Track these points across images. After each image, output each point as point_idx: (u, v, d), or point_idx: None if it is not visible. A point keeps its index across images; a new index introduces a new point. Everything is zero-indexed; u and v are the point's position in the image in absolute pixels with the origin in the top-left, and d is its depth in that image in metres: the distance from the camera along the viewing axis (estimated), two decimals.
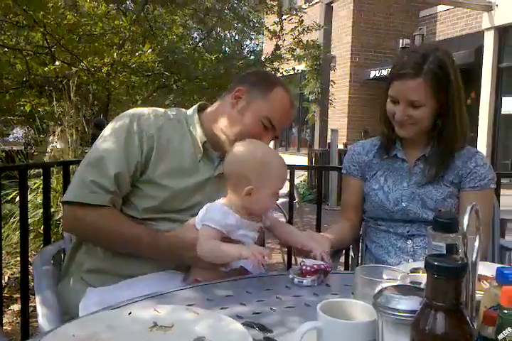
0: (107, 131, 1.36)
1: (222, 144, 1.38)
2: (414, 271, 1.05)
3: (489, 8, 8.99)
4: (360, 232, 1.78)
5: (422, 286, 0.73)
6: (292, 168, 2.67)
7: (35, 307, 2.37)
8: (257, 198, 1.22)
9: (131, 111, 1.39)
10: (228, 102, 1.40)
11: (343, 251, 1.93)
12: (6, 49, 4.44)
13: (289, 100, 1.43)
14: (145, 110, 1.39)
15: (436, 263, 0.57)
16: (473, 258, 0.67)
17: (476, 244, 0.67)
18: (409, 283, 0.82)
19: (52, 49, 4.12)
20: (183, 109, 1.49)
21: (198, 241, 1.19)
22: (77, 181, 1.30)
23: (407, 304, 0.65)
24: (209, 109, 1.47)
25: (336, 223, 1.69)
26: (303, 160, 10.78)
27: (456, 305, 0.58)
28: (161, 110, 1.43)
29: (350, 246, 1.91)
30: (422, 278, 0.86)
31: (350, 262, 2.10)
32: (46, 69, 4.12)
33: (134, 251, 1.29)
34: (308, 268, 1.16)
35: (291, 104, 1.44)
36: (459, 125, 1.47)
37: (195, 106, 1.47)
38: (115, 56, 4.32)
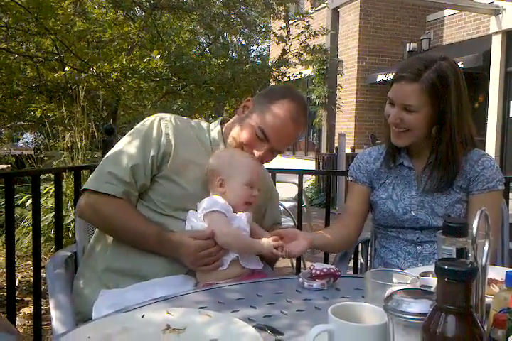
0: (132, 130, 1.46)
1: None
2: (424, 274, 1.05)
3: (497, 12, 8.96)
4: (369, 236, 1.79)
5: (432, 290, 0.74)
6: (300, 172, 2.68)
7: (46, 310, 2.40)
8: (229, 188, 1.33)
9: (156, 115, 1.49)
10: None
11: (352, 255, 1.93)
12: (16, 55, 4.49)
13: (290, 113, 1.38)
14: (168, 115, 1.49)
15: (446, 267, 0.58)
16: (483, 262, 0.68)
17: (486, 248, 0.68)
18: (419, 286, 0.83)
19: (62, 55, 4.17)
20: (205, 122, 1.58)
21: (218, 227, 1.27)
22: (96, 172, 1.40)
23: (418, 307, 0.66)
24: (227, 123, 1.54)
25: (333, 224, 1.69)
26: (310, 164, 10.77)
27: (466, 308, 0.59)
28: (184, 118, 1.53)
29: (359, 250, 1.92)
30: (432, 281, 0.87)
31: (358, 266, 2.10)
32: (56, 75, 4.17)
33: (139, 245, 1.33)
34: (318, 271, 1.18)
35: (292, 118, 1.38)
36: (457, 135, 1.44)
37: (218, 120, 1.55)
38: (124, 62, 4.35)
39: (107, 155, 1.43)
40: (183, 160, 1.38)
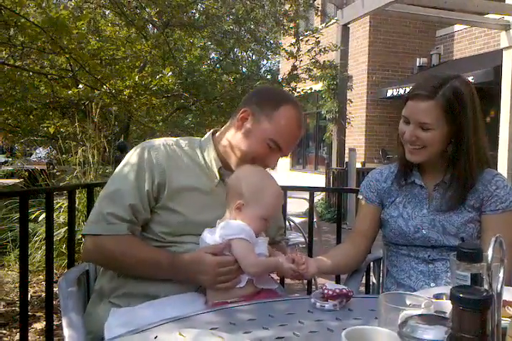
0: (121, 164, 1.43)
1: (233, 166, 1.43)
2: (438, 296, 1.04)
3: (507, 28, 8.96)
4: (381, 255, 1.78)
5: (447, 315, 0.73)
6: (311, 190, 2.69)
7: (57, 325, 2.40)
8: (246, 217, 1.31)
9: (143, 143, 1.46)
10: (234, 124, 1.43)
11: (364, 275, 1.91)
12: (31, 73, 4.57)
13: (296, 119, 1.40)
14: (156, 141, 1.46)
15: (461, 296, 0.58)
16: (498, 289, 0.67)
17: (501, 274, 0.68)
18: (433, 311, 0.82)
19: (76, 72, 4.24)
20: (196, 137, 1.55)
21: (245, 257, 1.26)
22: (95, 214, 1.37)
23: (433, 334, 0.66)
24: (218, 133, 1.51)
25: (343, 244, 1.69)
26: (320, 178, 10.75)
27: (482, 337, 0.59)
28: (173, 139, 1.49)
29: (371, 269, 1.90)
30: (447, 305, 0.86)
31: (371, 285, 2.08)
32: (70, 92, 4.23)
33: (153, 274, 1.32)
34: (330, 292, 1.17)
35: (298, 123, 1.41)
36: (474, 153, 1.44)
37: (209, 133, 1.52)
38: (136, 79, 4.41)
39: (103, 193, 1.40)
40: (178, 188, 1.36)
